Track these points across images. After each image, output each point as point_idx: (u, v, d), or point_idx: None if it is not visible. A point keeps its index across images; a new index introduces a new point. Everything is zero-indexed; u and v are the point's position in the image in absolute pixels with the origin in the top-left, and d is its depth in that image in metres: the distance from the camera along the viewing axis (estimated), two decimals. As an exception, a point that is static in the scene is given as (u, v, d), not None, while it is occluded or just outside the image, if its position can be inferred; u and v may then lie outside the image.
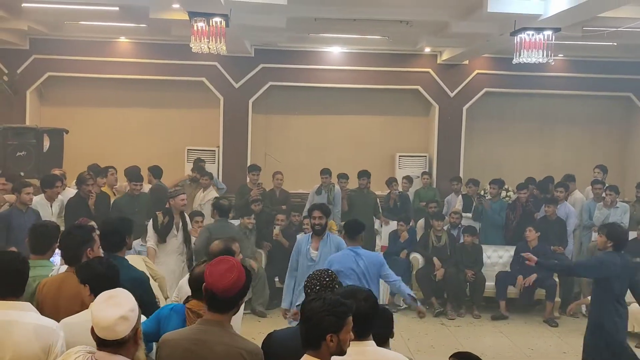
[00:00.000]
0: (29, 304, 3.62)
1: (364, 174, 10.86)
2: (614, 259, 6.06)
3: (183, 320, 3.73)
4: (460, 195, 11.26)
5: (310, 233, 6.72)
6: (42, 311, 3.91)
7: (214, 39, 8.03)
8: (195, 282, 3.75)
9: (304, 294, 4.17)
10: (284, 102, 13.28)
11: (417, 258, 10.07)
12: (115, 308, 2.90)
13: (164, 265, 7.46)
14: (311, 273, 4.10)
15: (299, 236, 6.89)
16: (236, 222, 9.49)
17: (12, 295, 3.54)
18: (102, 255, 4.40)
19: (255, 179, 10.91)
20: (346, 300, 3.18)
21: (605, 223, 7.88)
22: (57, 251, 4.82)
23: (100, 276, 3.67)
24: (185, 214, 8.31)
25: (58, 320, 3.65)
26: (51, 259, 4.80)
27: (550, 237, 9.74)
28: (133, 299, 2.99)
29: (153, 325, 3.82)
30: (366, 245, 8.48)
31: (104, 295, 2.99)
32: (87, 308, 3.60)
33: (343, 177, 10.98)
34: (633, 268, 6.23)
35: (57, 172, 9.32)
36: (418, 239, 10.32)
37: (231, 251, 4.73)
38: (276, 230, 9.78)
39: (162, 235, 7.80)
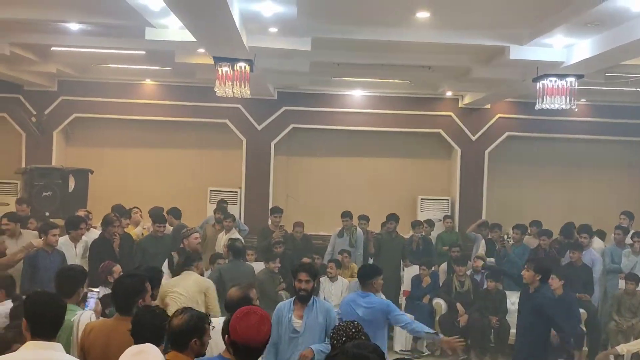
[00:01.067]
0: (59, 344, 3.66)
1: (392, 218, 10.82)
2: None
3: None
4: (483, 240, 11.17)
5: (293, 299, 5.63)
6: (89, 356, 4.02)
7: (238, 83, 8.17)
8: (175, 335, 3.59)
9: None
10: (306, 144, 13.39)
11: (439, 303, 9.94)
12: None
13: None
14: (337, 324, 4.08)
15: (279, 303, 5.79)
16: (259, 265, 9.47)
17: (47, 336, 3.55)
18: (152, 304, 4.30)
19: (277, 221, 10.91)
20: (370, 354, 3.15)
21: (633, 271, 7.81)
22: (93, 294, 4.85)
23: (145, 327, 3.69)
24: (201, 253, 8.33)
25: None
26: (86, 303, 4.81)
27: (576, 284, 9.57)
28: (161, 356, 3.00)
29: None
30: (392, 289, 8.31)
31: (133, 349, 3.01)
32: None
33: (363, 218, 10.97)
34: None
35: (82, 212, 9.41)
36: (441, 284, 10.22)
37: (249, 298, 4.67)
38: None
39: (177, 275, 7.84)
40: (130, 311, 4.15)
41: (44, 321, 3.56)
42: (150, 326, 3.70)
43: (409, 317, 6.30)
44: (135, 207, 10.23)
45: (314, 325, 5.37)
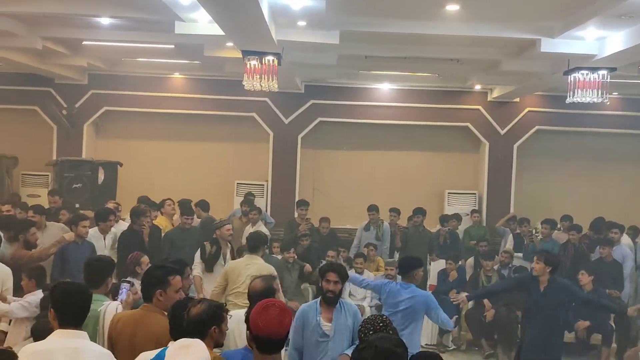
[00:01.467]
0: (86, 333, 3.73)
1: (419, 211, 10.82)
2: None
3: None
4: (510, 235, 11.06)
5: (318, 300, 5.37)
6: (116, 346, 4.10)
7: (266, 76, 8.17)
8: (193, 324, 3.60)
9: None
10: (333, 137, 13.36)
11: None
12: (188, 358, 2.96)
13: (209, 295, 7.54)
14: (366, 317, 4.07)
15: (303, 305, 5.59)
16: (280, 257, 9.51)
17: (74, 324, 3.65)
18: (182, 298, 4.24)
19: (303, 214, 10.94)
20: (397, 348, 3.13)
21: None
22: (126, 286, 4.90)
23: (181, 319, 3.74)
24: (233, 246, 8.42)
25: (135, 356, 3.77)
26: (119, 294, 4.86)
27: (605, 280, 9.43)
28: (207, 352, 3.02)
29: None
30: (418, 284, 8.38)
31: (180, 342, 3.04)
32: (162, 346, 3.70)
33: (394, 211, 10.99)
34: None
35: (112, 205, 9.51)
36: (467, 279, 10.14)
37: (272, 289, 4.71)
38: (322, 265, 9.75)
39: (209, 265, 7.95)
40: (150, 301, 4.22)
41: (71, 310, 3.65)
42: (182, 317, 3.73)
43: (443, 314, 6.37)
44: (168, 199, 10.26)
45: (343, 328, 5.16)
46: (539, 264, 6.88)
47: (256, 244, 7.19)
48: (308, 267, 9.32)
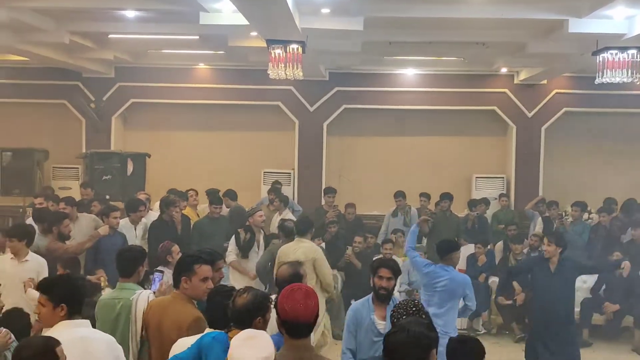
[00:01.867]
0: (88, 321, 3.81)
1: (446, 197, 10.77)
2: None
3: (225, 349, 3.49)
4: (540, 218, 10.95)
5: (370, 297, 5.11)
6: (148, 331, 4.25)
7: (290, 65, 8.18)
8: (239, 313, 3.60)
9: None
10: (358, 124, 13.32)
11: (496, 282, 9.82)
12: (253, 350, 2.99)
13: (244, 282, 7.64)
14: (398, 302, 4.08)
15: (354, 303, 5.31)
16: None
17: (77, 312, 3.74)
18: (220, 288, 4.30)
19: (330, 201, 10.97)
20: (429, 332, 3.14)
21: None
22: (159, 275, 4.97)
23: (216, 306, 3.84)
24: (265, 233, 8.56)
25: (162, 343, 3.88)
26: (153, 283, 4.93)
27: (637, 261, 9.31)
28: (272, 345, 3.05)
29: (194, 354, 3.66)
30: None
31: (245, 333, 3.09)
32: (183, 333, 3.72)
33: (425, 196, 11.04)
34: None
35: (142, 196, 9.62)
36: (497, 263, 10.08)
37: (299, 275, 4.73)
38: (349, 250, 9.80)
39: (245, 251, 8.10)
40: (178, 287, 4.30)
41: (77, 301, 3.75)
42: (220, 305, 3.78)
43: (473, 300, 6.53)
44: (191, 190, 10.39)
45: None
46: (551, 246, 7.02)
47: (305, 228, 7.43)
48: (357, 263, 9.51)
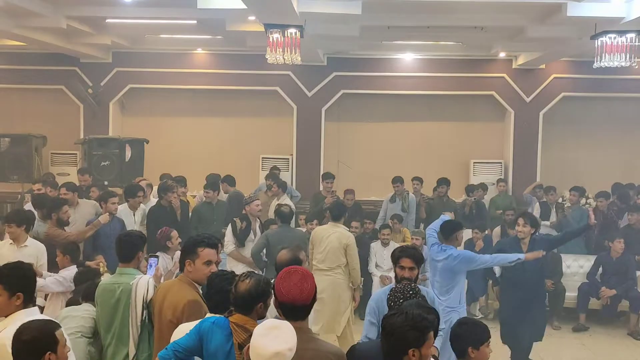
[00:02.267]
0: (36, 308, 3.80)
1: (443, 182, 10.80)
2: None
3: (227, 334, 3.56)
4: (537, 203, 10.97)
5: (391, 286, 4.62)
6: (154, 315, 4.32)
7: (288, 49, 8.15)
8: (241, 299, 3.57)
9: None
10: (357, 109, 13.30)
11: (493, 268, 9.83)
12: (276, 341, 2.98)
13: (241, 270, 7.64)
14: (394, 287, 4.09)
15: (377, 292, 5.15)
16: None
17: (31, 301, 3.75)
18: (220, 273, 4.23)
19: (329, 187, 10.96)
20: (428, 315, 3.16)
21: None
22: (154, 260, 4.98)
23: (215, 290, 3.86)
24: (262, 221, 8.51)
25: (161, 325, 3.99)
26: (148, 269, 4.94)
27: (635, 246, 9.36)
28: (295, 336, 3.04)
29: (194, 340, 3.60)
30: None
31: (269, 322, 3.08)
32: (177, 314, 3.76)
33: (417, 179, 11.01)
34: None
35: (143, 182, 9.59)
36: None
37: (298, 260, 4.73)
38: None
39: (241, 240, 8.07)
40: (183, 270, 4.33)
41: (31, 290, 3.75)
42: (220, 289, 3.79)
43: (487, 256, 6.74)
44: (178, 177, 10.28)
45: None
46: (526, 227, 7.08)
47: (340, 213, 7.60)
48: None
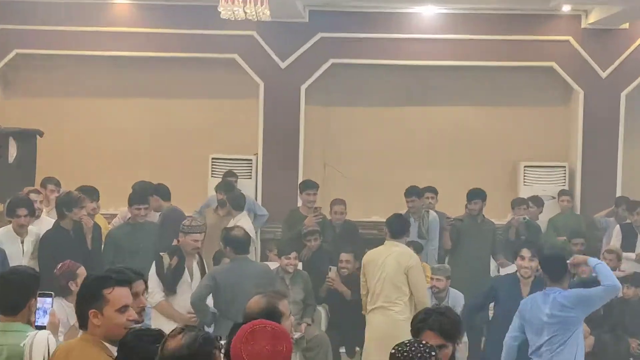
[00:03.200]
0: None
1: (476, 195, 10.78)
2: None
3: None
4: (617, 226, 11.06)
5: None
6: None
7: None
8: None
9: None
10: (352, 88, 13.36)
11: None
12: None
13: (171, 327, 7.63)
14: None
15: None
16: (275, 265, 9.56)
17: None
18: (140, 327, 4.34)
19: (311, 200, 10.96)
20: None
21: None
22: (45, 301, 4.95)
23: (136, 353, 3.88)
24: (202, 256, 8.48)
25: None
26: (36, 317, 4.93)
27: None
28: None
29: None
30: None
31: None
32: None
33: (430, 191, 11.02)
34: None
35: (32, 195, 9.48)
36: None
37: (277, 312, 4.64)
38: (331, 273, 9.70)
39: (170, 284, 8.00)
40: (87, 327, 4.28)
41: None
42: (143, 352, 3.79)
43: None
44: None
45: None
46: (533, 262, 7.54)
47: (400, 229, 8.13)
48: (346, 291, 9.51)
